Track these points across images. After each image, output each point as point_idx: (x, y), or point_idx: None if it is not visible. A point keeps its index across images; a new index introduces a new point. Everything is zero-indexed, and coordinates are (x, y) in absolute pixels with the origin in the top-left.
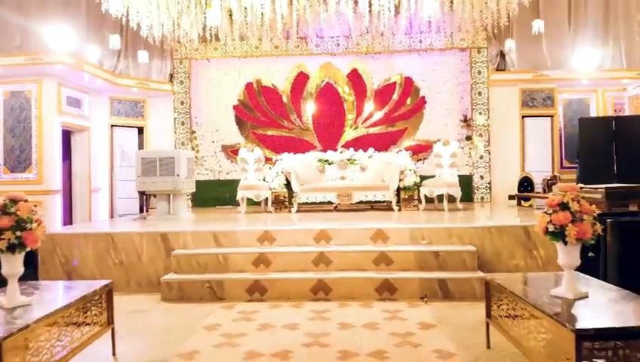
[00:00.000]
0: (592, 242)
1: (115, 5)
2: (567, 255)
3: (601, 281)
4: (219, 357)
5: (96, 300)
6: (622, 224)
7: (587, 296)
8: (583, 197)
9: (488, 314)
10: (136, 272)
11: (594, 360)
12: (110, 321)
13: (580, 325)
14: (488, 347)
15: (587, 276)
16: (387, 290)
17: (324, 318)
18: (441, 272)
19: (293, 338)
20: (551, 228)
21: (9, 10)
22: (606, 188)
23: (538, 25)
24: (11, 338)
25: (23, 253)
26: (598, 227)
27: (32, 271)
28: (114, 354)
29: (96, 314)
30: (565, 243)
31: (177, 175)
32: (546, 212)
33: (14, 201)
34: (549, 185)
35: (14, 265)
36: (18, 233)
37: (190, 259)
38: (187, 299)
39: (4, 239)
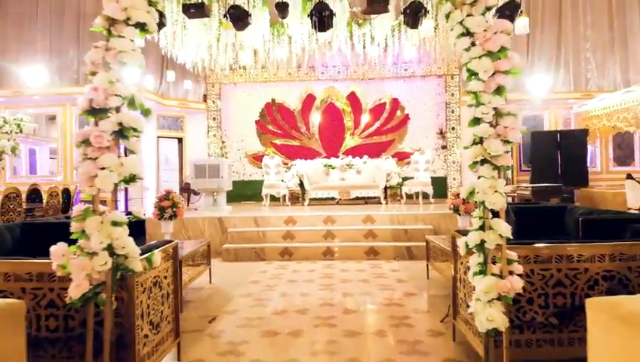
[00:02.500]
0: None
1: (179, 52)
2: (463, 221)
3: None
4: (272, 282)
5: (203, 249)
6: (518, 209)
7: None
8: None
9: (428, 259)
10: None
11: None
12: (209, 263)
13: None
14: (428, 278)
15: None
16: (372, 253)
17: (331, 267)
18: (408, 242)
19: (313, 275)
20: (452, 207)
21: (68, 44)
22: (532, 187)
23: None
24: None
25: (174, 221)
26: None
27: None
28: (210, 282)
29: (201, 259)
30: (459, 214)
31: (222, 177)
32: (452, 201)
33: (169, 193)
34: None
35: (169, 226)
36: (174, 209)
37: (240, 234)
38: (240, 260)
39: (167, 212)
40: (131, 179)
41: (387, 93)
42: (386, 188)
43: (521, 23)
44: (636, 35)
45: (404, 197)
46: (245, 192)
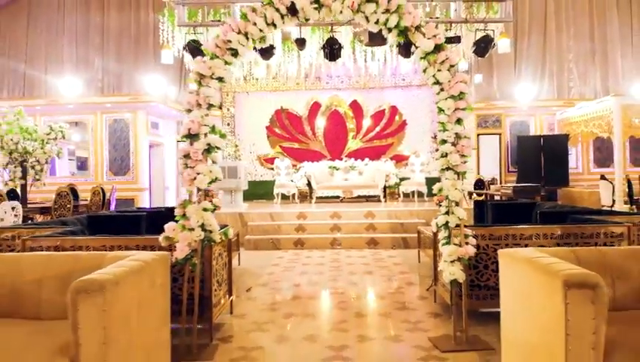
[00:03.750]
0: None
1: None
2: None
3: None
4: (291, 265)
5: (235, 238)
6: (497, 204)
7: None
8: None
9: (419, 246)
10: None
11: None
12: (238, 248)
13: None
14: (419, 262)
15: None
16: (373, 243)
17: (338, 254)
18: (404, 233)
19: (323, 260)
20: (437, 202)
21: (93, 56)
22: (513, 186)
23: (478, 78)
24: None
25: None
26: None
27: None
28: (239, 264)
29: (233, 245)
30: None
31: (239, 177)
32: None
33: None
34: (488, 185)
35: None
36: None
37: (258, 227)
38: (259, 249)
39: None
40: (215, 180)
41: (386, 100)
42: (385, 187)
43: (504, 44)
44: (616, 46)
45: (402, 195)
46: (257, 191)
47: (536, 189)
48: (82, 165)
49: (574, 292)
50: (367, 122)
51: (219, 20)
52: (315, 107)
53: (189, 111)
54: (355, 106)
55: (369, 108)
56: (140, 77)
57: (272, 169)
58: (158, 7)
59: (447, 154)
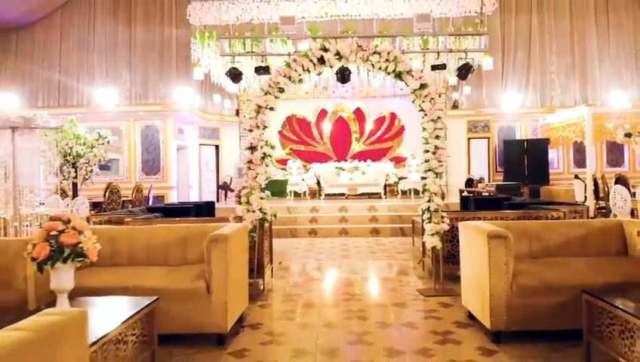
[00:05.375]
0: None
1: (223, 80)
2: None
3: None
4: (308, 248)
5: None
6: (474, 198)
7: None
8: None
9: (413, 233)
10: None
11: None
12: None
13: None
14: (413, 246)
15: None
16: (375, 233)
17: (346, 242)
18: (401, 224)
19: (334, 245)
20: None
21: (121, 68)
22: (497, 184)
23: (468, 89)
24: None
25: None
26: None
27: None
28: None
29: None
30: None
31: None
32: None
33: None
34: (476, 184)
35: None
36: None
37: (278, 219)
38: (280, 237)
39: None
40: (268, 178)
41: (386, 108)
42: (385, 185)
43: (487, 62)
44: (594, 59)
45: (400, 192)
46: (270, 189)
47: (517, 187)
48: (102, 166)
49: (493, 241)
50: (369, 127)
51: (253, 51)
52: (322, 113)
53: (250, 130)
54: (358, 113)
55: (371, 114)
56: (164, 87)
57: (284, 169)
58: (180, 24)
59: (428, 160)
